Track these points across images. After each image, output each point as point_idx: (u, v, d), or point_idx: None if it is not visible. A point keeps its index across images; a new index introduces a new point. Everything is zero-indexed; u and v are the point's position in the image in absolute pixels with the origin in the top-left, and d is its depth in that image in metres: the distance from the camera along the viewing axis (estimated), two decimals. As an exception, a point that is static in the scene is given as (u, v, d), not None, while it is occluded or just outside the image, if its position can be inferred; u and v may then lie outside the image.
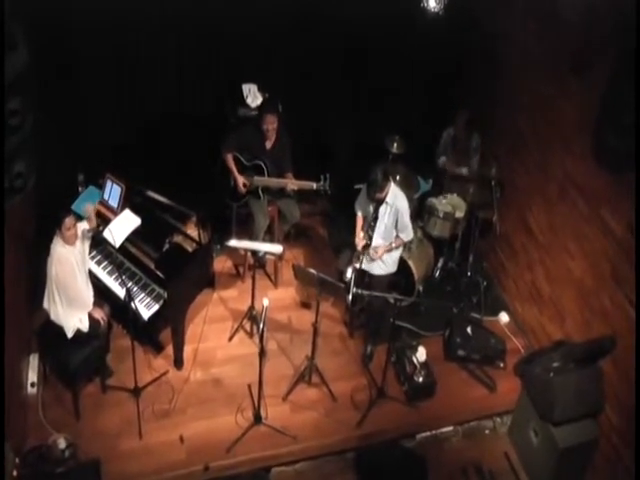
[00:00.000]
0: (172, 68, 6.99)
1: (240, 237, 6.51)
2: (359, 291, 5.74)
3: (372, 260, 6.00)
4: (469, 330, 6.55)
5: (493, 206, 6.66)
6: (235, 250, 7.05)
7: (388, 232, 5.93)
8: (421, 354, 6.29)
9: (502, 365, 6.54)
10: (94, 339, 5.55)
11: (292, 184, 6.46)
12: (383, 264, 6.07)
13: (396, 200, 5.78)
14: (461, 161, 7.14)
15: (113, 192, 6.15)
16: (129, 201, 6.07)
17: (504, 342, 6.62)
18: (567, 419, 5.44)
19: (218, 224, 7.00)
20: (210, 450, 5.58)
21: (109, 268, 6.00)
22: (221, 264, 7.26)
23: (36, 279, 5.78)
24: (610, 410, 5.53)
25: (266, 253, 6.77)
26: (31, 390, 5.77)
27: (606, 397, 5.51)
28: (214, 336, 6.53)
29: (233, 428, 5.73)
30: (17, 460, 4.98)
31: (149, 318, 5.70)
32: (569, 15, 5.82)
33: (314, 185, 6.37)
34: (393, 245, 5.99)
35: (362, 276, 6.15)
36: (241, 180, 6.61)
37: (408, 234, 5.97)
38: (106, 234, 5.59)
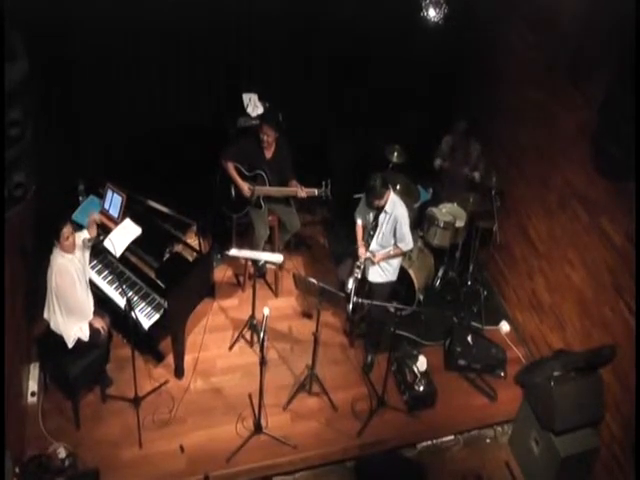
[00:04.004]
0: (172, 78, 7.00)
1: (240, 246, 6.51)
2: (360, 300, 5.74)
3: (372, 264, 6.00)
4: (470, 339, 6.55)
5: (493, 215, 6.69)
6: (235, 259, 7.04)
7: (386, 240, 5.93)
8: (422, 363, 6.28)
9: (503, 374, 6.54)
10: (94, 348, 5.55)
11: (299, 191, 6.45)
12: (382, 271, 6.07)
13: (395, 209, 5.78)
14: (460, 169, 7.15)
15: (114, 201, 6.15)
16: (130, 210, 6.07)
17: (505, 351, 6.62)
18: (568, 428, 5.43)
19: (218, 233, 7.02)
20: (210, 459, 5.57)
21: (109, 277, 6.00)
22: (221, 273, 7.27)
23: (36, 289, 5.78)
24: (611, 419, 5.52)
25: (266, 262, 6.77)
26: (31, 399, 5.77)
27: (607, 406, 5.51)
28: (214, 345, 6.53)
29: (233, 437, 5.73)
30: (17, 469, 4.97)
31: (149, 327, 5.70)
32: (567, 25, 5.85)
33: (316, 191, 6.38)
34: (391, 253, 5.97)
35: (363, 285, 6.16)
36: (246, 186, 6.60)
37: (407, 244, 5.94)
38: (107, 243, 5.59)
